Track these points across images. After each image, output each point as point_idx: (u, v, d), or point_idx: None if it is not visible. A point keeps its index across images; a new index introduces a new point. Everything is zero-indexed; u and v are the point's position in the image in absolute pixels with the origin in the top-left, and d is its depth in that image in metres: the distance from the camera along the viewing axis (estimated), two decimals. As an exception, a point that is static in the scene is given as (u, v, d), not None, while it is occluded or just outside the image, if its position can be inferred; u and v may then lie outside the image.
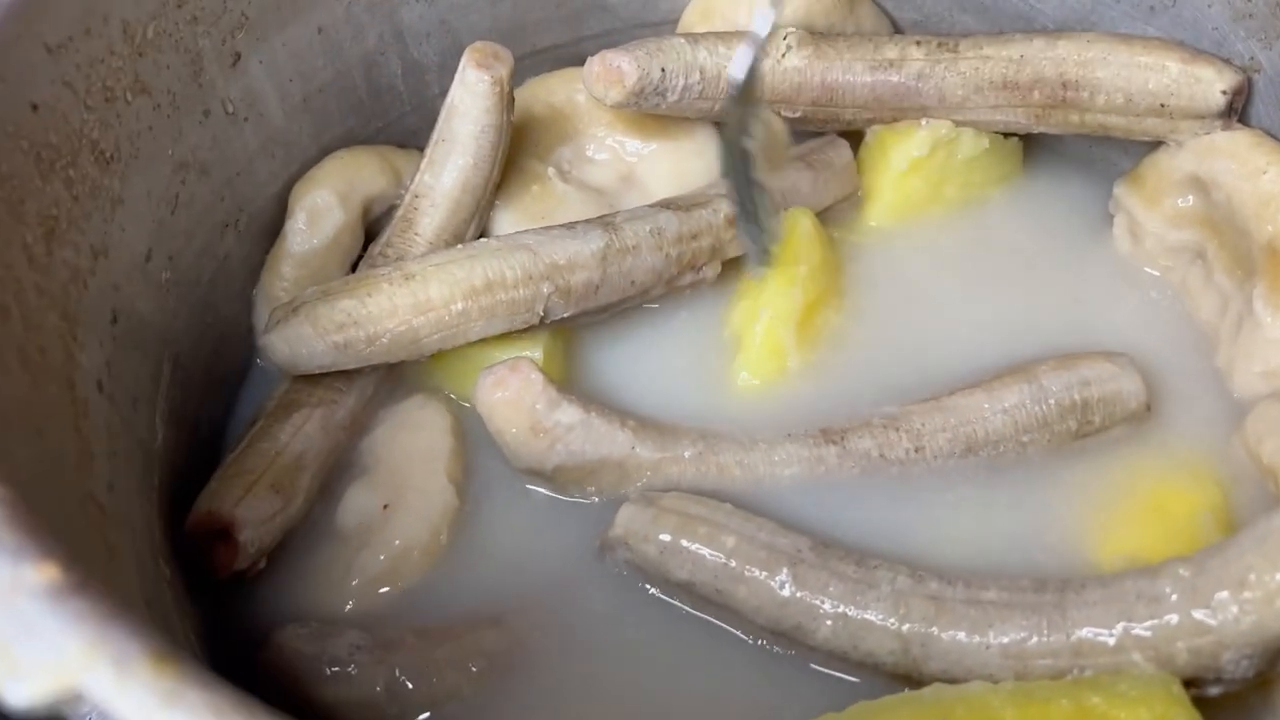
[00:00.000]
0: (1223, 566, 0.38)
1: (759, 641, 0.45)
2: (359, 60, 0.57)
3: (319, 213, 0.55)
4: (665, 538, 0.45)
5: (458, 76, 0.54)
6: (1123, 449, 0.51)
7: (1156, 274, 0.57)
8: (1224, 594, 0.38)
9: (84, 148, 0.42)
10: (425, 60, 0.60)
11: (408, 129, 0.60)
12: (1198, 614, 0.38)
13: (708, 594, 0.44)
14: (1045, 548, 0.48)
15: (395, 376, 0.54)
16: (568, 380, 0.54)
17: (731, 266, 0.57)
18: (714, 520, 0.45)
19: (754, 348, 0.54)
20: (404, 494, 0.50)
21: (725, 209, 0.56)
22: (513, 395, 0.48)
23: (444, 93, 0.58)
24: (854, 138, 0.61)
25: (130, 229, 0.45)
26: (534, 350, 0.53)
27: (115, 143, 0.43)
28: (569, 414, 0.48)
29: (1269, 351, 0.50)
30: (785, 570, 0.43)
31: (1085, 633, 0.39)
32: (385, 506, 0.49)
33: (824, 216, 0.60)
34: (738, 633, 0.45)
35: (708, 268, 0.57)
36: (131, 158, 0.45)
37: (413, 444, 0.52)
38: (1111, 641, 0.39)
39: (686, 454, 0.49)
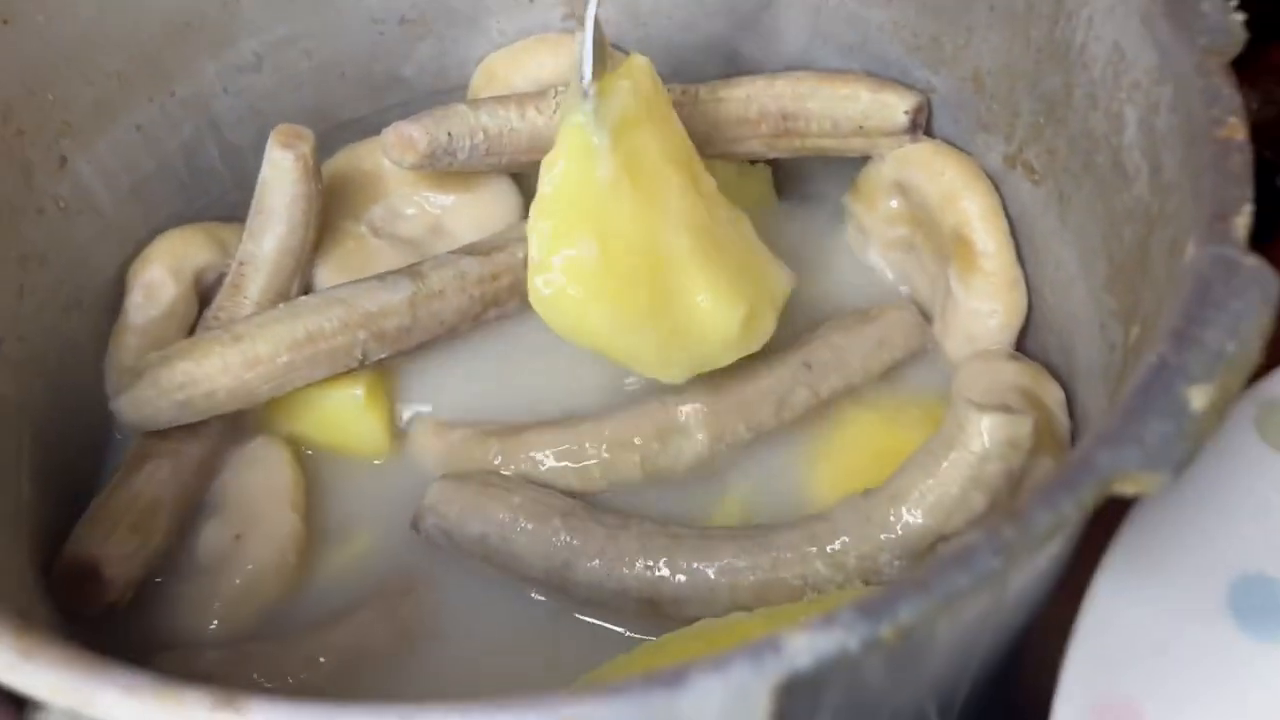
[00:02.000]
0: (882, 492, 0.49)
1: (538, 595, 0.54)
2: (178, 149, 0.64)
3: (154, 287, 0.62)
4: (466, 499, 0.55)
5: (266, 156, 0.62)
6: (857, 410, 0.61)
7: (884, 265, 0.67)
8: (885, 511, 0.48)
9: (-69, 252, 0.49)
10: (241, 142, 0.67)
11: (230, 204, 0.67)
12: (867, 530, 0.48)
13: (496, 544, 0.54)
14: (783, 493, 0.58)
15: (236, 423, 0.61)
16: (391, 405, 0.62)
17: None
18: (506, 486, 0.56)
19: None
20: (253, 524, 0.57)
21: (522, 251, 0.64)
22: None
23: (260, 169, 0.67)
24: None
25: (-19, 318, 0.52)
26: (356, 388, 0.61)
27: (-41, 245, 0.50)
28: None
29: (967, 320, 0.61)
30: (558, 520, 0.54)
31: (783, 553, 0.49)
32: (237, 537, 0.57)
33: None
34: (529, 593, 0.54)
35: (510, 304, 0.65)
36: (-25, 257, 0.52)
37: (257, 480, 0.59)
38: (798, 555, 0.49)
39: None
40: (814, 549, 0.52)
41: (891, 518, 0.51)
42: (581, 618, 0.55)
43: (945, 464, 0.50)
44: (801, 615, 0.50)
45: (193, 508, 0.58)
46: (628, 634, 0.54)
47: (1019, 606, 0.37)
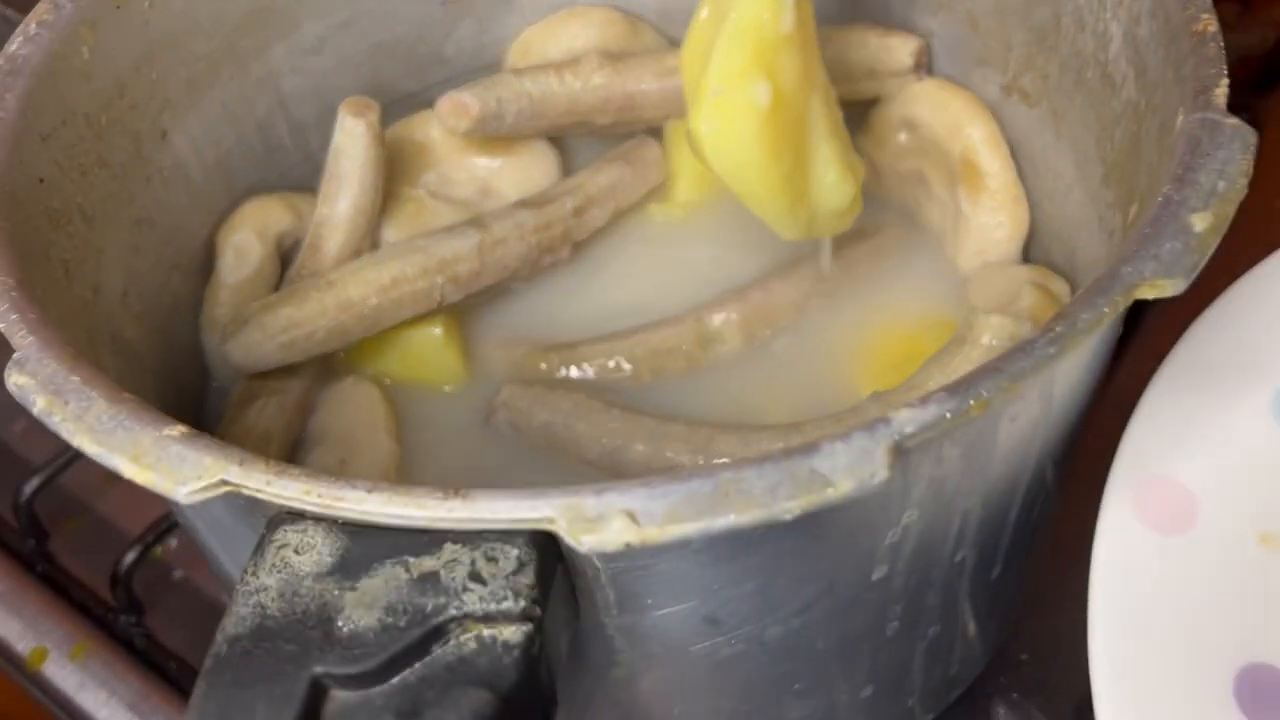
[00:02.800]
0: (904, 384, 0.57)
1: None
2: (254, 125, 0.71)
3: (243, 249, 0.69)
4: (535, 395, 0.64)
5: (338, 125, 0.68)
6: (878, 321, 0.68)
7: (897, 201, 0.75)
8: (905, 400, 0.56)
9: (74, 210, 0.55)
10: (305, 119, 0.74)
11: (297, 177, 0.74)
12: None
13: (559, 431, 0.62)
14: (824, 397, 0.65)
15: (328, 366, 0.67)
16: (464, 340, 0.69)
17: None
18: (568, 386, 0.65)
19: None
20: (354, 450, 0.64)
21: (570, 203, 0.72)
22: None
23: (323, 146, 0.73)
24: (655, 133, 0.78)
25: (111, 272, 0.58)
26: (435, 327, 0.67)
27: (92, 206, 0.57)
28: None
29: (977, 235, 0.68)
30: (616, 410, 0.62)
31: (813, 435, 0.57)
32: (342, 461, 0.63)
33: (644, 200, 0.77)
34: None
35: (562, 250, 0.72)
36: (104, 217, 0.58)
37: (353, 414, 0.65)
38: None
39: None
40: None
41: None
42: None
43: (957, 359, 0.58)
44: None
45: (297, 442, 0.65)
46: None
47: (1064, 415, 0.44)
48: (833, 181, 0.60)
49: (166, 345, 0.64)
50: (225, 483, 0.35)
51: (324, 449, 0.64)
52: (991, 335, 0.56)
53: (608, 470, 0.62)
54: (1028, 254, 0.69)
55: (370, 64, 0.75)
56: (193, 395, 0.67)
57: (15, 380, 0.39)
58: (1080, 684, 0.67)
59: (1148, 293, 0.37)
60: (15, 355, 0.39)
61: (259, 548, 0.36)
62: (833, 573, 0.41)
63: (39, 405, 0.38)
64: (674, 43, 0.80)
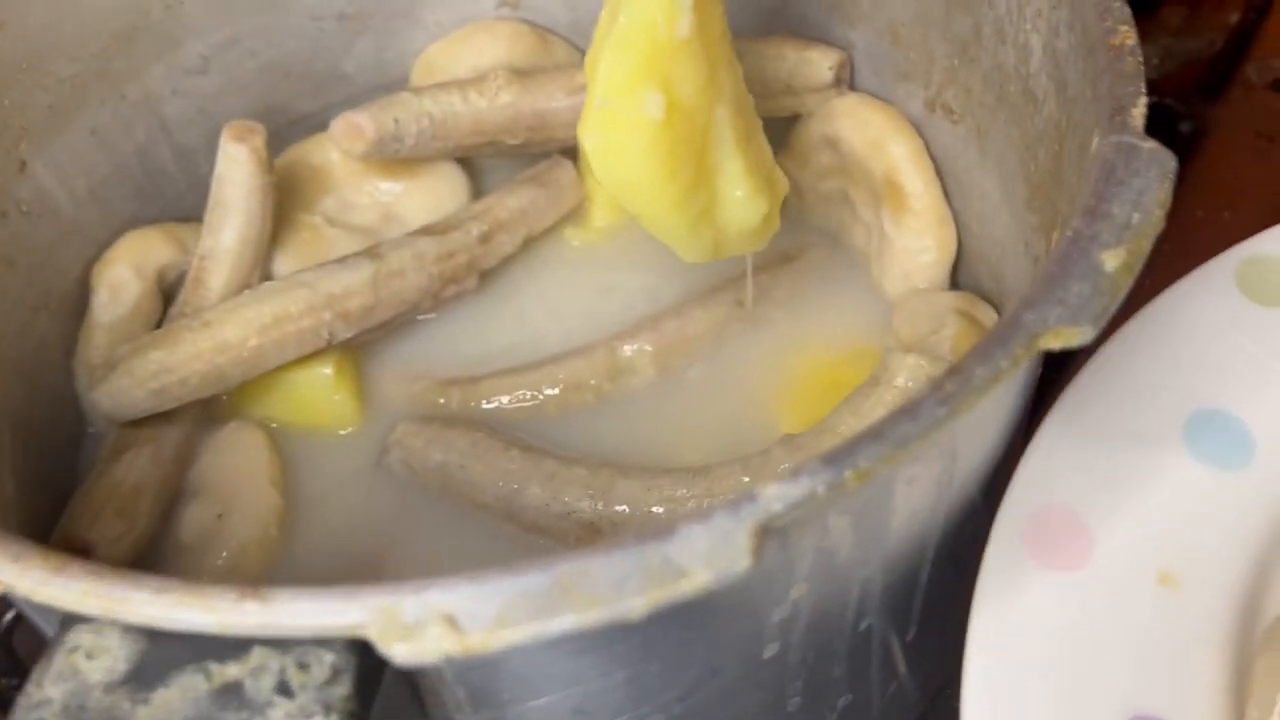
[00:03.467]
0: (815, 427, 0.54)
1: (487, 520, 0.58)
2: (132, 152, 0.66)
3: (119, 286, 0.64)
4: (430, 433, 0.60)
5: (220, 151, 0.63)
6: (799, 349, 0.64)
7: (819, 223, 0.71)
8: (816, 444, 0.53)
9: (-96, 254, 0.50)
10: (191, 144, 0.69)
11: (185, 205, 0.69)
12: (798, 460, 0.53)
13: (454, 472, 0.58)
14: (742, 431, 0.61)
15: (209, 408, 0.63)
16: (359, 379, 0.64)
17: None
18: (467, 426, 0.60)
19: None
20: (234, 503, 0.59)
21: (476, 230, 0.67)
22: None
23: (212, 170, 0.69)
24: (570, 154, 0.74)
25: (-45, 318, 0.53)
26: (325, 367, 0.63)
27: (-70, 248, 0.52)
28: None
29: (902, 259, 0.65)
30: (515, 450, 0.58)
31: (719, 483, 0.53)
32: (219, 516, 0.58)
33: (559, 223, 0.72)
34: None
35: (467, 280, 0.68)
36: (-55, 259, 0.53)
37: (234, 462, 0.61)
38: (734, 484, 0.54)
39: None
40: (748, 479, 0.55)
41: (822, 450, 0.54)
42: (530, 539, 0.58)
43: (870, 401, 0.54)
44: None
45: (173, 492, 0.60)
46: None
47: (971, 476, 0.40)
48: (742, 197, 0.56)
49: (29, 393, 0.59)
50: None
51: (201, 502, 0.59)
52: (907, 376, 0.53)
53: (502, 516, 0.58)
54: (956, 278, 0.65)
55: (261, 84, 0.70)
56: (64, 444, 0.62)
57: None
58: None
59: (1052, 342, 0.33)
60: None
61: (48, 652, 0.32)
62: (715, 656, 0.36)
63: None
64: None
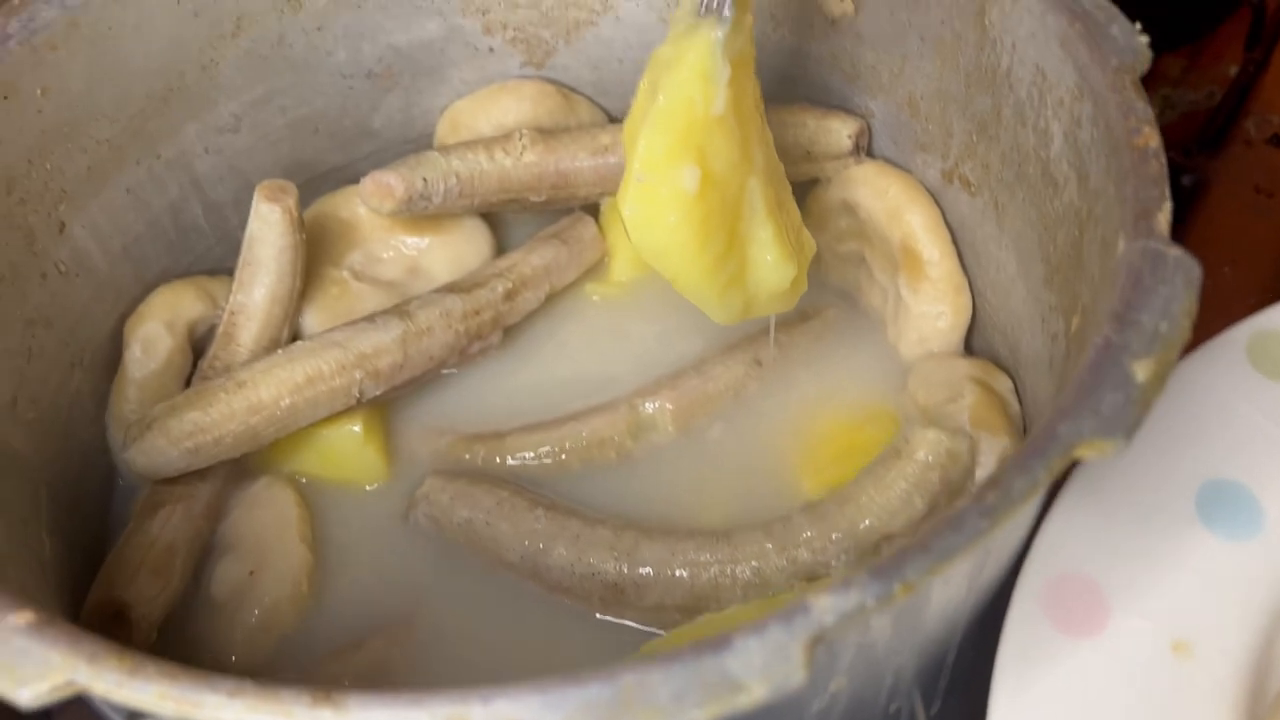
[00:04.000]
0: (836, 497, 0.56)
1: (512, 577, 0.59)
2: (165, 209, 0.67)
3: (151, 342, 0.65)
4: (457, 489, 0.61)
5: (253, 211, 0.65)
6: (817, 409, 0.66)
7: (835, 283, 0.72)
8: (837, 514, 0.54)
9: (-48, 322, 0.51)
10: (222, 200, 0.70)
11: (215, 259, 0.71)
12: (821, 529, 0.55)
13: (480, 529, 0.59)
14: (763, 492, 0.62)
15: (240, 465, 0.64)
16: (386, 435, 0.65)
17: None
18: (493, 481, 0.62)
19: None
20: (265, 559, 0.60)
21: (501, 286, 0.69)
22: None
23: (242, 224, 0.69)
24: (592, 209, 0.75)
25: (-2, 381, 0.54)
26: (354, 424, 0.64)
27: (-25, 313, 0.53)
28: None
29: (918, 323, 0.66)
30: (540, 510, 0.60)
31: (742, 548, 0.55)
32: (251, 573, 0.59)
33: (580, 279, 0.74)
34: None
35: (492, 336, 0.69)
36: (-11, 323, 0.54)
37: (265, 518, 0.62)
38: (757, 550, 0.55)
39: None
40: (770, 546, 0.56)
41: (843, 520, 0.56)
42: (555, 599, 0.59)
43: (892, 473, 0.56)
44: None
45: (205, 549, 0.61)
46: (597, 616, 0.59)
47: (997, 566, 0.42)
48: (772, 262, 0.57)
49: (64, 449, 0.60)
50: (73, 684, 0.31)
51: (233, 559, 0.60)
52: (927, 451, 0.54)
53: (528, 574, 0.59)
54: (971, 343, 0.66)
55: (291, 140, 0.72)
56: (96, 498, 0.64)
57: None
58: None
59: (1087, 453, 0.34)
60: None
61: (122, 742, 0.33)
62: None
63: None
64: (610, 116, 0.77)
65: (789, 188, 0.61)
